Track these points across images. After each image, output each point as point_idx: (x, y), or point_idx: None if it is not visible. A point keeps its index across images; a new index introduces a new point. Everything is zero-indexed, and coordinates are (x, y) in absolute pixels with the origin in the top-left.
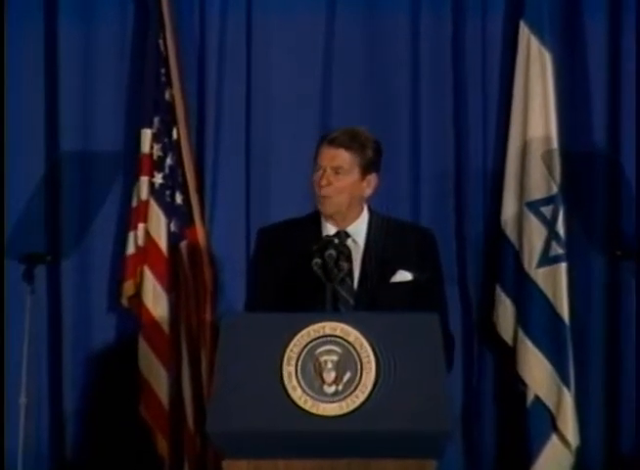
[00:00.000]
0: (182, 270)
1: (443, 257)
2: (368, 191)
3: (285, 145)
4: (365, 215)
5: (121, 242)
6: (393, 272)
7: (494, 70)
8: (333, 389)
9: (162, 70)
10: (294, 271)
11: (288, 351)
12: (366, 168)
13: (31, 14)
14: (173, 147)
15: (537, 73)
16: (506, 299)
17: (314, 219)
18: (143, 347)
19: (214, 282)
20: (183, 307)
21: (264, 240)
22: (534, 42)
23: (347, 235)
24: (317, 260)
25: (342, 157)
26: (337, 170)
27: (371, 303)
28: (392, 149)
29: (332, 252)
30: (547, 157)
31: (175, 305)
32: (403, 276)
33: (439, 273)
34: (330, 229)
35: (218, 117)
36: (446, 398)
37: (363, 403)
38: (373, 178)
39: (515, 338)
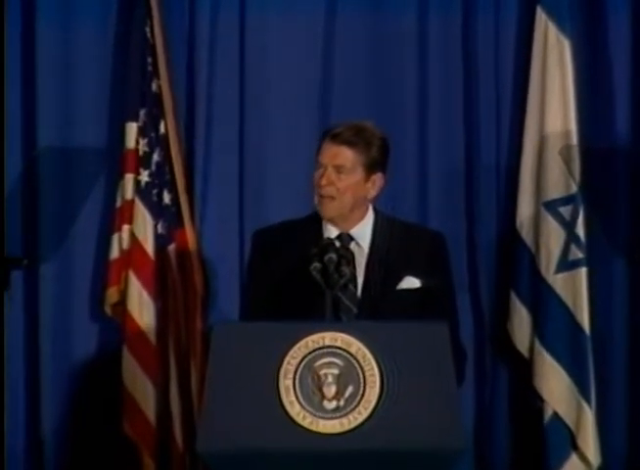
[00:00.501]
0: (170, 276)
1: (453, 262)
2: (372, 192)
3: (281, 140)
4: (370, 217)
5: (104, 245)
6: (400, 279)
7: (508, 59)
8: (333, 404)
9: (149, 60)
10: (292, 277)
11: (285, 363)
12: (371, 168)
13: None
14: (161, 142)
15: (555, 63)
16: (521, 307)
17: (314, 221)
18: (127, 359)
19: (205, 288)
20: (171, 316)
21: (260, 243)
22: (552, 29)
23: (351, 238)
24: (316, 265)
25: (345, 155)
26: (339, 169)
27: (375, 311)
28: (397, 145)
29: (332, 255)
30: (566, 153)
31: (163, 313)
32: (411, 283)
33: (449, 280)
34: (331, 231)
35: (209, 110)
36: (457, 414)
37: (366, 420)
38: (378, 178)
39: (531, 349)
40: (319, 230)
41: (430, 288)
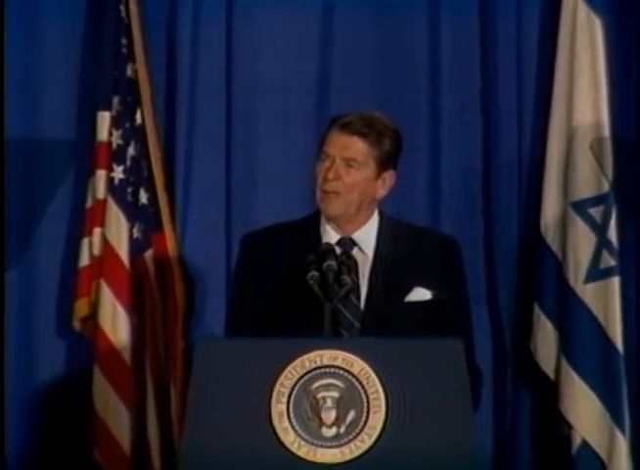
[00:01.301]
0: (147, 286)
1: (469, 270)
2: (381, 192)
3: (274, 132)
4: (375, 220)
5: (72, 251)
6: (409, 289)
7: (531, 41)
8: (333, 431)
9: (124, 41)
10: (285, 287)
11: (278, 385)
12: (383, 164)
13: None
14: (137, 134)
15: (585, 45)
16: (547, 321)
17: (311, 223)
18: (99, 380)
19: (187, 300)
20: (148, 332)
21: (248, 249)
22: (582, 6)
23: (353, 243)
24: (314, 274)
25: (357, 146)
26: (349, 162)
27: (381, 326)
28: (406, 138)
29: (332, 263)
30: (597, 147)
31: (139, 328)
32: (421, 294)
33: (464, 291)
34: (331, 235)
35: (192, 99)
36: (473, 443)
37: (370, 449)
38: (389, 176)
39: (557, 370)
40: (317, 234)
41: (442, 300)
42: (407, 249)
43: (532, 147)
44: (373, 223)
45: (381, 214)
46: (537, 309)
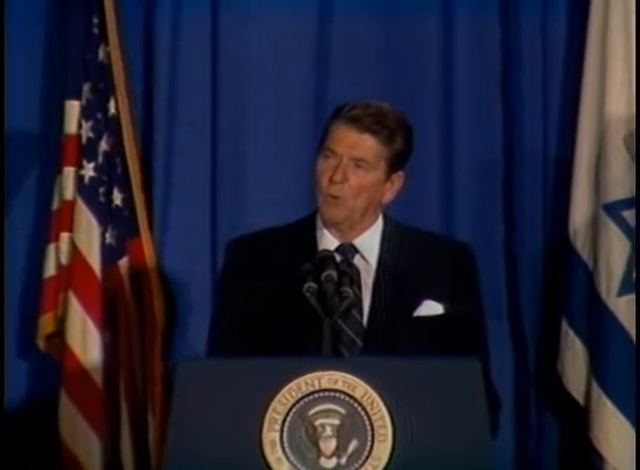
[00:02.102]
0: (122, 299)
1: (488, 281)
2: (389, 195)
3: (266, 126)
4: (379, 224)
5: (37, 259)
6: (417, 303)
7: (559, 21)
8: (333, 462)
9: (95, 20)
10: (278, 300)
11: (270, 410)
12: (394, 164)
13: None
14: (110, 126)
15: (619, 26)
16: (575, 339)
17: (307, 228)
18: (66, 405)
19: (167, 315)
20: (123, 351)
21: (236, 256)
22: None
23: (355, 250)
24: (311, 285)
25: (368, 145)
26: (358, 163)
27: (386, 344)
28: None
29: (331, 272)
30: (631, 142)
31: (112, 347)
32: (431, 308)
33: (479, 304)
34: (330, 241)
35: (173, 85)
36: None
37: None
38: (398, 179)
39: (587, 394)
40: (313, 240)
41: (455, 315)
42: (415, 257)
43: (559, 142)
44: (377, 228)
45: (385, 218)
46: (565, 326)
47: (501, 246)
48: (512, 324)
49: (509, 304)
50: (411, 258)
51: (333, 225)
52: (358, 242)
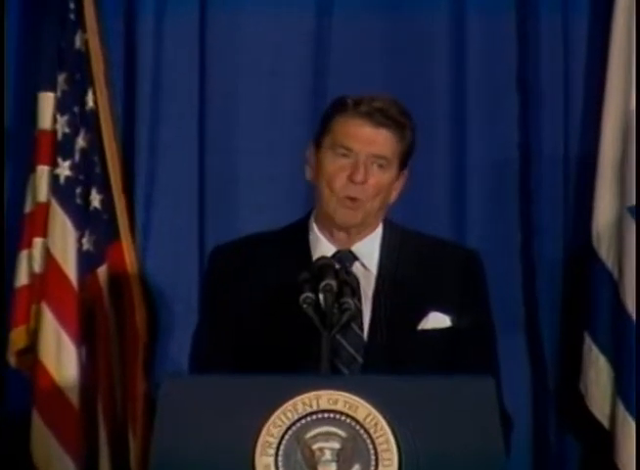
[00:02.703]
0: (100, 311)
1: (503, 291)
2: (395, 196)
3: (257, 121)
4: (379, 228)
5: (8, 267)
6: (423, 315)
7: (581, 17)
8: None
9: (71, 5)
10: (269, 312)
11: (264, 433)
12: (403, 161)
13: None
14: (88, 120)
15: None
16: (599, 356)
17: (299, 232)
18: (38, 427)
19: (150, 329)
20: (101, 368)
21: (222, 265)
22: None
23: (354, 257)
24: (308, 295)
25: (386, 141)
26: (378, 161)
27: (389, 361)
28: (421, 126)
29: (331, 282)
30: None
31: (89, 363)
32: (438, 321)
33: (489, 316)
34: (326, 247)
35: (157, 77)
36: None
37: None
38: (403, 178)
39: (612, 416)
40: (306, 246)
41: (463, 328)
42: (419, 264)
43: (582, 140)
44: (376, 233)
45: (384, 221)
46: (588, 340)
47: (517, 253)
48: (529, 338)
49: (526, 316)
50: (414, 265)
51: (345, 230)
52: (357, 248)
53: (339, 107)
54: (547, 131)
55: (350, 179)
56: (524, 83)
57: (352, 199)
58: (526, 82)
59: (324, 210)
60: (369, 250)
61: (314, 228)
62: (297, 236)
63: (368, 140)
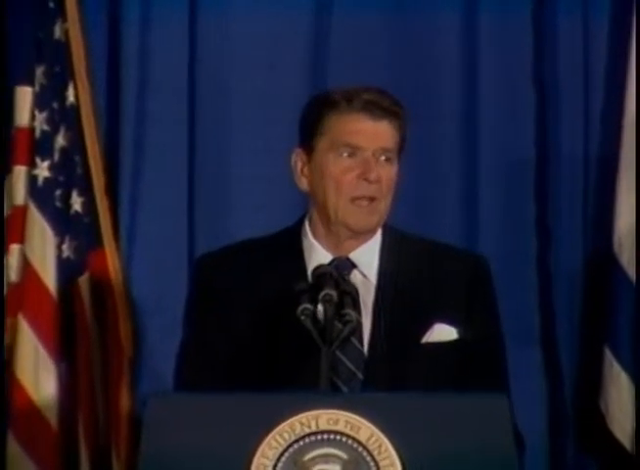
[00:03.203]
0: (82, 323)
1: (518, 301)
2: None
3: (252, 118)
4: (378, 234)
5: None
6: (427, 327)
7: (601, 16)
8: None
9: None
10: (262, 326)
11: (258, 456)
12: (400, 153)
13: None
14: (68, 117)
15: None
16: (621, 372)
17: (292, 239)
18: (14, 449)
19: (135, 342)
20: (82, 385)
21: (209, 275)
22: None
23: (352, 264)
24: (306, 307)
25: (388, 133)
26: (387, 155)
27: (392, 377)
28: (428, 125)
29: (331, 292)
30: None
31: (69, 380)
32: (443, 333)
33: (498, 327)
34: (322, 255)
35: (144, 69)
36: None
37: None
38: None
39: (636, 436)
40: (299, 253)
41: (471, 340)
42: (422, 272)
43: (603, 138)
44: (376, 238)
45: (383, 225)
46: (609, 355)
47: (533, 260)
48: (545, 353)
49: (542, 328)
50: (417, 273)
51: (352, 236)
52: (356, 255)
53: (327, 105)
54: (565, 132)
55: (364, 178)
56: (540, 79)
57: (371, 198)
58: (543, 77)
59: (332, 216)
60: (368, 257)
61: (308, 234)
62: (289, 243)
63: (372, 135)
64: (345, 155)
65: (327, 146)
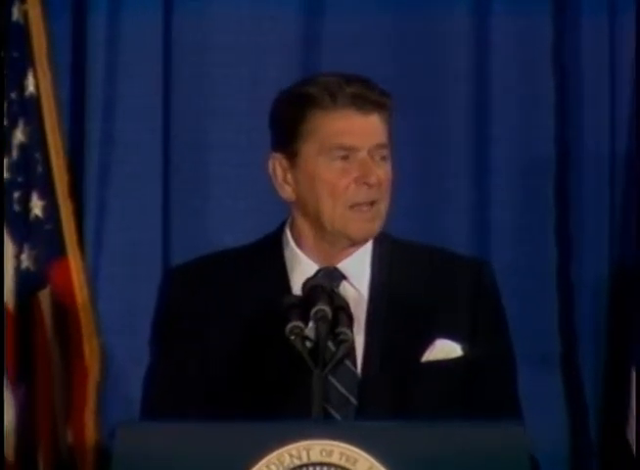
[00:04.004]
0: (41, 342)
1: (535, 317)
2: None
3: (234, 110)
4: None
5: None
6: (428, 343)
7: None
8: None
9: None
10: (243, 346)
11: None
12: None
13: None
14: (28, 109)
15: None
16: None
17: (272, 248)
18: None
19: (102, 364)
20: (42, 412)
21: (180, 290)
22: None
23: (341, 275)
24: (296, 325)
25: (379, 128)
26: (382, 153)
27: (389, 402)
28: (433, 119)
29: (324, 308)
30: None
31: (27, 407)
32: (446, 350)
33: (506, 342)
34: (306, 265)
35: (112, 55)
36: None
37: None
38: None
39: None
40: (280, 263)
41: (476, 358)
42: (420, 282)
43: (631, 136)
44: (365, 245)
45: None
46: (636, 379)
47: (553, 271)
48: (566, 376)
49: (563, 347)
50: (414, 283)
51: (361, 243)
52: (345, 265)
53: (307, 102)
54: (590, 128)
55: (364, 182)
56: (561, 70)
57: (371, 203)
58: (564, 67)
59: (327, 226)
60: (359, 267)
61: (290, 243)
62: (270, 253)
63: (365, 132)
64: (339, 158)
65: (315, 150)
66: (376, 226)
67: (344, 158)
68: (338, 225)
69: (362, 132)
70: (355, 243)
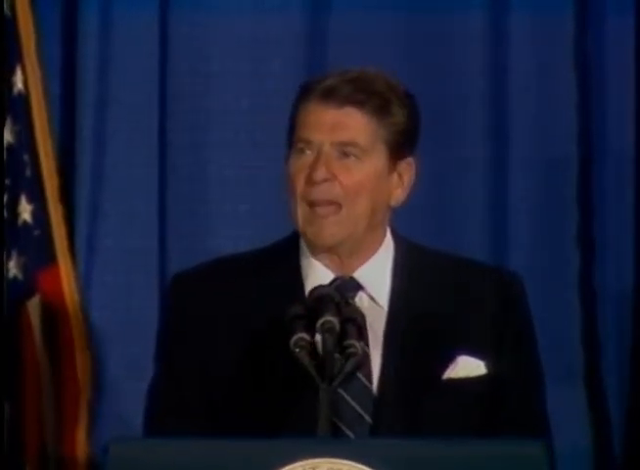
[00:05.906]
0: (30, 354)
1: (557, 329)
2: (400, 193)
3: (235, 107)
4: (389, 246)
5: None
6: (449, 360)
7: None
8: None
9: None
10: (249, 359)
11: None
12: (397, 148)
13: None
14: (16, 107)
15: None
16: None
17: (287, 254)
18: None
19: (94, 377)
20: (29, 429)
21: (185, 299)
22: None
23: (358, 286)
24: (302, 337)
25: (355, 122)
26: (345, 150)
27: (406, 420)
28: (446, 114)
29: (331, 319)
30: None
31: (13, 423)
32: (469, 367)
33: (534, 360)
34: (321, 273)
35: (104, 48)
36: None
37: None
38: (407, 168)
39: None
40: (296, 272)
41: (501, 376)
42: (443, 294)
43: None
44: (386, 252)
45: (395, 237)
46: None
47: (575, 280)
48: (590, 391)
49: (586, 362)
50: (438, 295)
51: (327, 251)
52: (361, 274)
53: (300, 95)
54: (613, 125)
55: (308, 178)
56: (583, 67)
57: (317, 204)
58: (587, 66)
59: (298, 228)
60: (377, 276)
61: (305, 250)
62: (284, 260)
63: (331, 126)
64: (300, 152)
65: (294, 140)
66: (334, 231)
67: (301, 151)
68: (300, 226)
69: (328, 126)
70: (317, 247)
